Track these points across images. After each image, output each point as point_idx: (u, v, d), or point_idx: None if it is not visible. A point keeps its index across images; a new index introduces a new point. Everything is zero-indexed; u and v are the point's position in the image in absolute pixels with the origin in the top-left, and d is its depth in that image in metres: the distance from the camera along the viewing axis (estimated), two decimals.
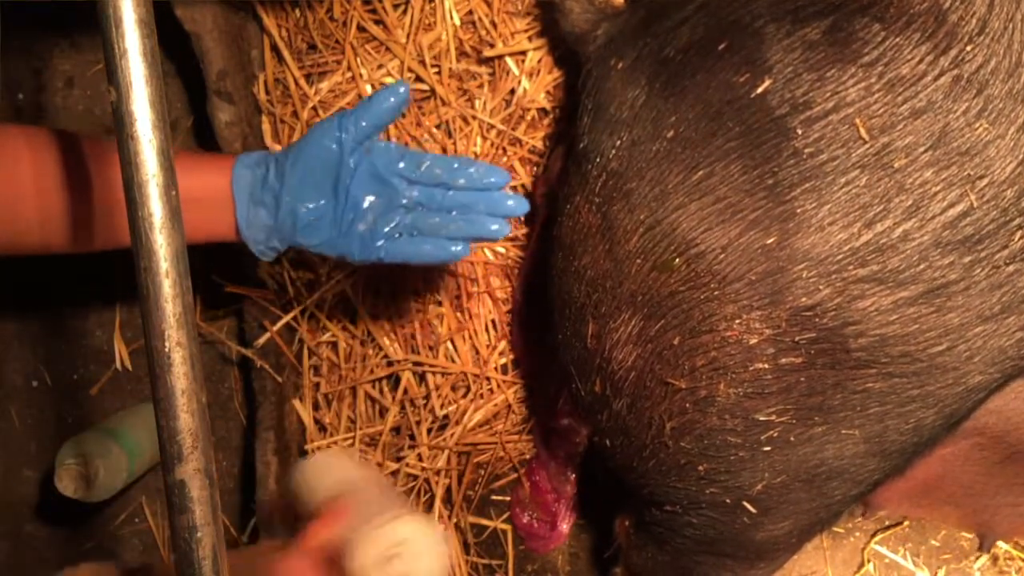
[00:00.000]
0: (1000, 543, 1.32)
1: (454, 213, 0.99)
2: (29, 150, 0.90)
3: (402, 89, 0.96)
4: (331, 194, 0.97)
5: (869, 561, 1.35)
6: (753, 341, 0.86)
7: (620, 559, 1.16)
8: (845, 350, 0.84)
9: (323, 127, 0.97)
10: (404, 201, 0.99)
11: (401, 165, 0.98)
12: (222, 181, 0.97)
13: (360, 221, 0.98)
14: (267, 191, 0.97)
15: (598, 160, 0.93)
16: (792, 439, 0.89)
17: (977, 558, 1.35)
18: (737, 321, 0.86)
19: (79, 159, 0.91)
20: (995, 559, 1.34)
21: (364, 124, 0.96)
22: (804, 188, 0.82)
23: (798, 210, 0.83)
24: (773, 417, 0.88)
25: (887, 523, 1.36)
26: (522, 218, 1.31)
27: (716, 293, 0.86)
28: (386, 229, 0.98)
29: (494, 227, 0.99)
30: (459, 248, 0.99)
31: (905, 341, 0.84)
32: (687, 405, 0.90)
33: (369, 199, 0.98)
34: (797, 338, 0.85)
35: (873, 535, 1.36)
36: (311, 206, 0.97)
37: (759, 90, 0.84)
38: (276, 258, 1.02)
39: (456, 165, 0.99)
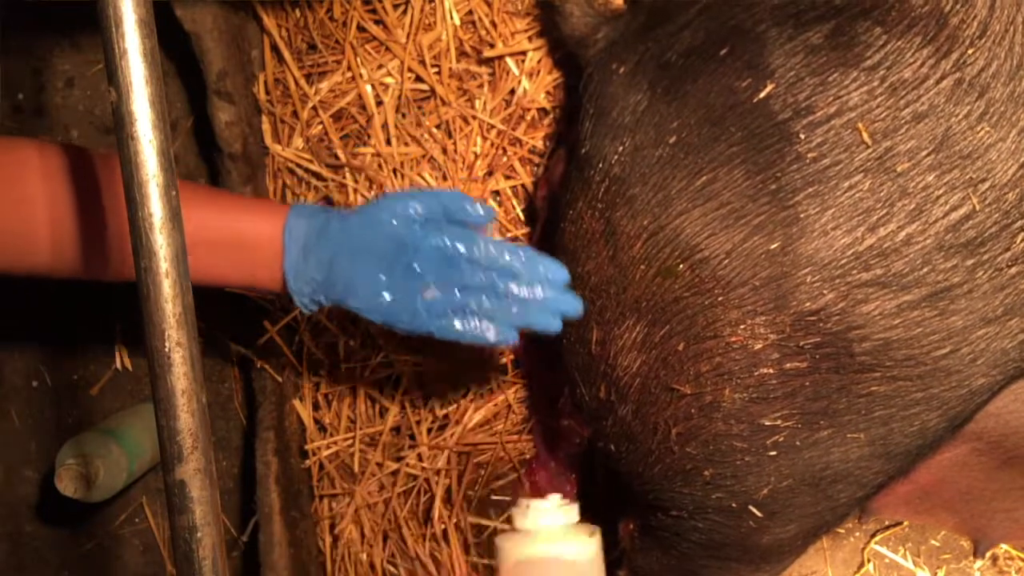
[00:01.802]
0: (1000, 544, 1.32)
1: (511, 301, 0.98)
2: (41, 168, 0.88)
3: (483, 211, 0.96)
4: (392, 266, 0.95)
5: (869, 561, 1.35)
6: (758, 346, 0.86)
7: (624, 563, 1.16)
8: (849, 354, 0.84)
9: (399, 199, 0.95)
10: (466, 283, 0.97)
11: (469, 249, 0.97)
12: (273, 228, 0.94)
13: (417, 297, 0.97)
14: (323, 246, 0.94)
15: (600, 165, 0.93)
16: (798, 443, 0.89)
17: (977, 558, 1.35)
18: (742, 326, 0.86)
19: (93, 180, 0.89)
20: (995, 559, 1.34)
21: (441, 207, 0.96)
22: (807, 193, 0.82)
23: (801, 215, 0.83)
24: (779, 422, 0.88)
25: (887, 523, 1.36)
26: (522, 218, 1.31)
27: (720, 298, 0.86)
28: (441, 308, 0.97)
29: (549, 322, 0.98)
30: (510, 334, 0.98)
31: (909, 345, 0.84)
32: (692, 411, 0.90)
33: (431, 278, 0.96)
34: (802, 343, 0.85)
35: (873, 535, 1.36)
36: (369, 273, 0.95)
37: (761, 95, 0.84)
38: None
39: (524, 258, 0.97)
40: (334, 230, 0.95)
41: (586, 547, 0.93)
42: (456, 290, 0.97)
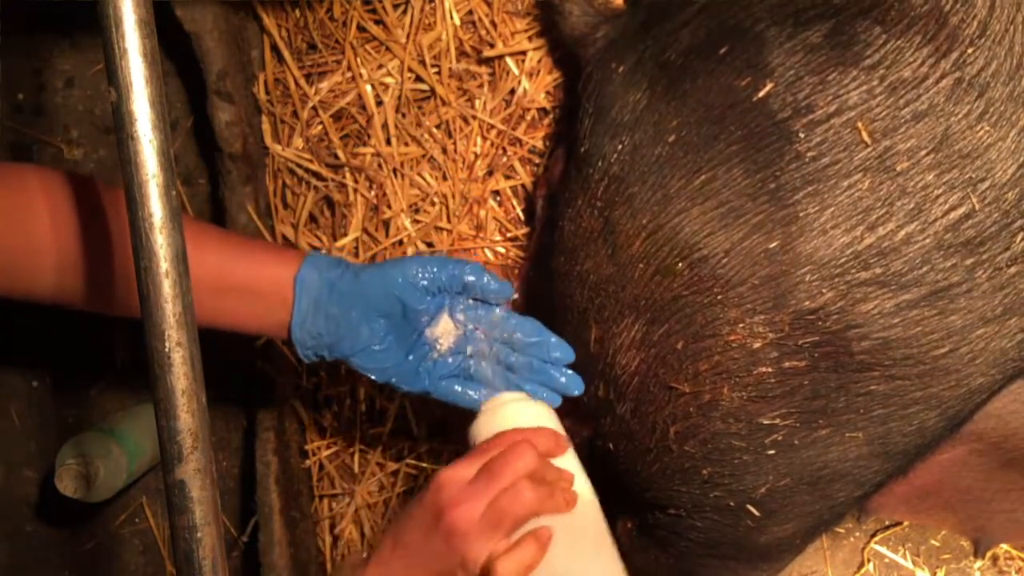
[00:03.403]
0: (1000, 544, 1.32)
1: (515, 373, 0.98)
2: (46, 198, 0.87)
3: (499, 287, 0.96)
4: (402, 330, 0.96)
5: (869, 561, 1.35)
6: (756, 345, 0.86)
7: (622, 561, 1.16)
8: (848, 353, 0.84)
9: (418, 263, 0.95)
10: (472, 350, 0.98)
11: (478, 321, 0.97)
12: (286, 275, 0.93)
13: (423, 362, 0.97)
14: (334, 302, 0.93)
15: (600, 164, 0.93)
16: (796, 442, 0.89)
17: (977, 558, 1.35)
18: (740, 325, 0.86)
19: (98, 212, 0.88)
20: (995, 559, 1.34)
21: (459, 281, 0.95)
22: (807, 192, 0.82)
23: (801, 214, 0.83)
24: (777, 420, 0.88)
25: (887, 523, 1.36)
26: (522, 217, 1.31)
27: (719, 297, 0.86)
28: (443, 371, 0.98)
29: (544, 394, 0.98)
30: None
31: (908, 344, 0.84)
32: (691, 409, 0.90)
33: (440, 345, 0.97)
34: (800, 342, 0.85)
35: (873, 535, 1.36)
36: (375, 335, 0.95)
37: (761, 94, 0.84)
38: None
39: (535, 337, 0.97)
40: (346, 287, 0.94)
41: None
42: (461, 356, 0.98)
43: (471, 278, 0.95)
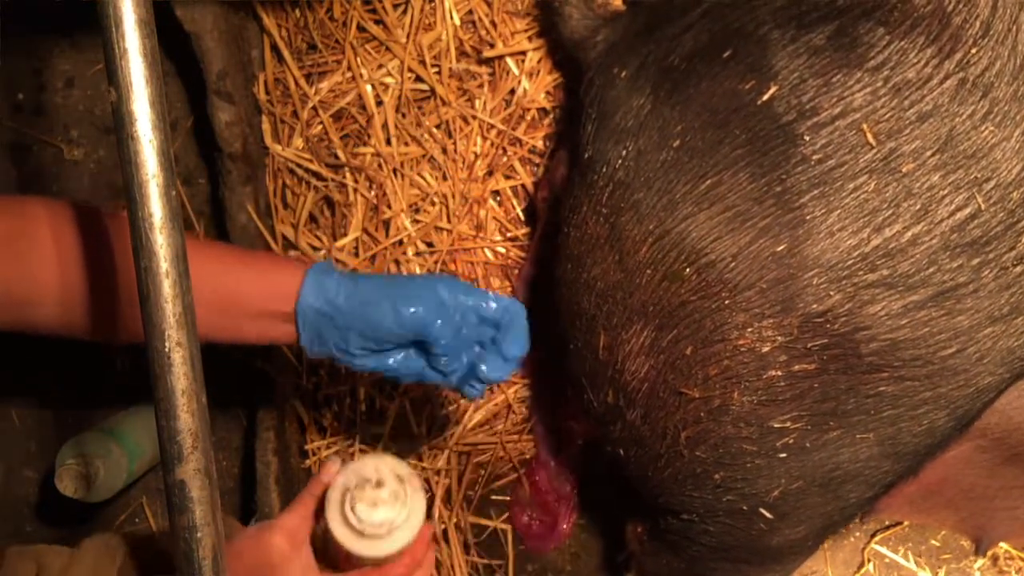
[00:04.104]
0: (1000, 543, 1.32)
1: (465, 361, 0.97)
2: (50, 224, 0.85)
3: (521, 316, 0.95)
4: (411, 342, 0.95)
5: (869, 561, 1.35)
6: (765, 349, 0.86)
7: (633, 566, 1.16)
8: (857, 355, 0.85)
9: (438, 283, 0.93)
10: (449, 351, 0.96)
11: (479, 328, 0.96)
12: (292, 284, 0.92)
13: (424, 364, 0.97)
14: (337, 330, 0.92)
15: (604, 170, 0.93)
16: (807, 445, 0.89)
17: (977, 558, 1.35)
18: (749, 329, 0.86)
19: (104, 242, 0.86)
20: (995, 559, 1.34)
21: (478, 308, 0.94)
22: (813, 195, 0.82)
23: (807, 217, 0.83)
24: (788, 424, 0.88)
25: (887, 523, 1.36)
26: (522, 217, 1.31)
27: (727, 302, 0.86)
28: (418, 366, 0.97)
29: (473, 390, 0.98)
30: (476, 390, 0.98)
31: (916, 344, 0.84)
32: (701, 414, 0.90)
33: (443, 358, 0.95)
34: (809, 344, 0.85)
35: (873, 535, 1.36)
36: (391, 351, 0.95)
37: (765, 97, 0.84)
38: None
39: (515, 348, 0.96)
40: (347, 319, 0.92)
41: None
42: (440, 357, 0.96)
43: (493, 304, 0.94)
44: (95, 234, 0.87)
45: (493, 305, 0.94)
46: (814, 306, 0.84)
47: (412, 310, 0.90)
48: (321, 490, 0.90)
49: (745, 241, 0.85)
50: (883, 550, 1.35)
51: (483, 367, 0.95)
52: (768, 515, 0.94)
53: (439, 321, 0.91)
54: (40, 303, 0.85)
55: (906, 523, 1.35)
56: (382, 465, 0.90)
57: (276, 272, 0.94)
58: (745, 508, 0.94)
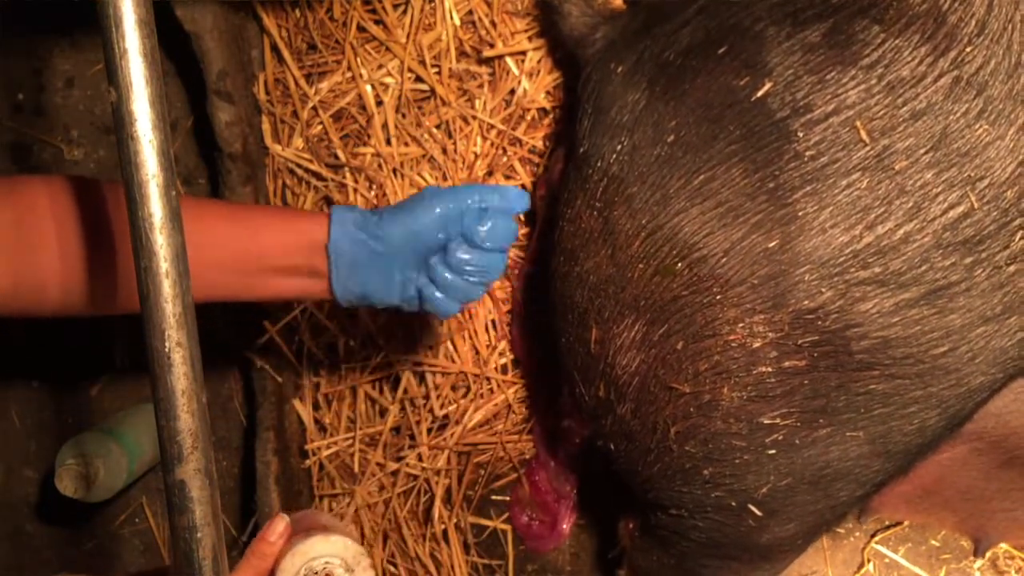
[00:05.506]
0: (1000, 543, 1.32)
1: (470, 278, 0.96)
2: (50, 207, 0.85)
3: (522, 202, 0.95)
4: (422, 265, 0.95)
5: (869, 561, 1.35)
6: (756, 345, 0.86)
7: (624, 562, 1.16)
8: (848, 352, 0.85)
9: (439, 210, 0.93)
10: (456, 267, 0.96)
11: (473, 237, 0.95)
12: (317, 241, 0.93)
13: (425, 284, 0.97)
14: (368, 264, 0.93)
15: (599, 164, 0.93)
16: (797, 441, 0.89)
17: (977, 558, 1.35)
18: (740, 325, 0.86)
19: (102, 213, 0.87)
20: (995, 559, 1.34)
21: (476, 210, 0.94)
22: (805, 191, 0.82)
23: (800, 213, 0.83)
24: (777, 420, 0.88)
25: (887, 523, 1.36)
26: (522, 218, 1.31)
27: (719, 297, 0.86)
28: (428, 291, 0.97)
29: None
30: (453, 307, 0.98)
31: (907, 343, 0.84)
32: (691, 409, 0.90)
33: (445, 275, 0.95)
34: (800, 341, 0.85)
35: (873, 535, 1.36)
36: (411, 281, 0.95)
37: (759, 93, 0.84)
38: None
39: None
40: (373, 251, 0.93)
41: None
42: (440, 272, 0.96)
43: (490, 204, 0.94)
44: (93, 207, 0.87)
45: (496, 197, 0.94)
46: (805, 303, 0.84)
47: (439, 209, 0.92)
48: (268, 551, 0.87)
49: (737, 236, 0.85)
50: (883, 550, 1.35)
51: (481, 229, 0.94)
52: (757, 512, 0.94)
53: (465, 218, 0.93)
54: (44, 287, 0.86)
55: (906, 523, 1.35)
56: (332, 553, 0.87)
57: (299, 221, 0.94)
58: (734, 504, 0.94)
